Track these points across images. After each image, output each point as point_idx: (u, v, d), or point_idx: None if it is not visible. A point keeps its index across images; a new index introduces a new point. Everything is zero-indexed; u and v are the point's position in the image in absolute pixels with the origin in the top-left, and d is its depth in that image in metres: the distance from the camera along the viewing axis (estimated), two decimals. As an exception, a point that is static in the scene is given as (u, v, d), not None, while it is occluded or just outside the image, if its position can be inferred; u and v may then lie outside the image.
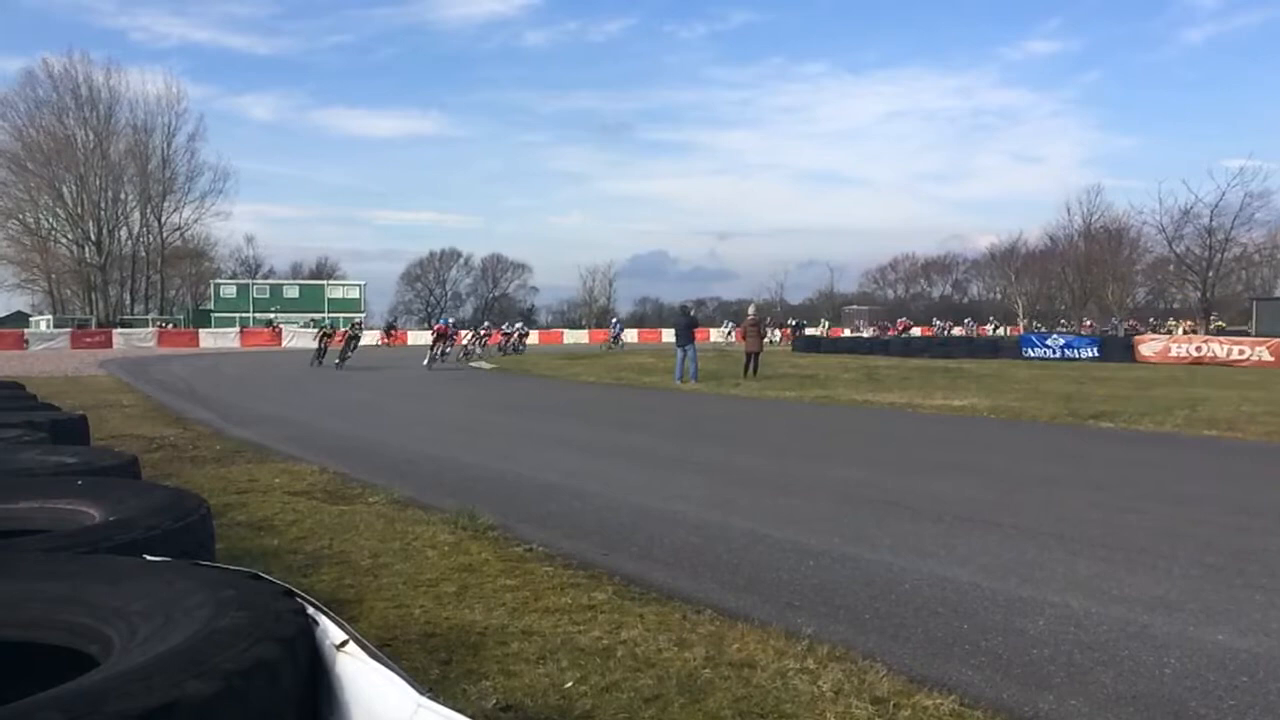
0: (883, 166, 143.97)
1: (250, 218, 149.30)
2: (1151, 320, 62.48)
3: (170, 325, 63.00)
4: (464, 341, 35.63)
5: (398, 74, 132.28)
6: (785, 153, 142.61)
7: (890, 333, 62.12)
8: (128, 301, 69.84)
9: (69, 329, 53.90)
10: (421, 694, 1.79)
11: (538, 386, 22.00)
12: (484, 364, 31.19)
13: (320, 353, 29.93)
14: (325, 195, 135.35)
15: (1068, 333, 43.86)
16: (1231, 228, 53.80)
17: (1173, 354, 31.50)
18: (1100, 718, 3.44)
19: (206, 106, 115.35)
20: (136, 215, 69.09)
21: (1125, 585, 5.11)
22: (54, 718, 1.65)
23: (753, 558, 5.75)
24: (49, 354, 41.38)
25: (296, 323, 60.26)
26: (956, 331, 66.52)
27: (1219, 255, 55.16)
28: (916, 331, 65.47)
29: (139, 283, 71.38)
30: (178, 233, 71.35)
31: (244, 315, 67.00)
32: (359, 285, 75.39)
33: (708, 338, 52.31)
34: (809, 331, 58.01)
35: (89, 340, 49.31)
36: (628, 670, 3.72)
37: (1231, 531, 6.46)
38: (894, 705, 3.42)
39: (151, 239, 70.05)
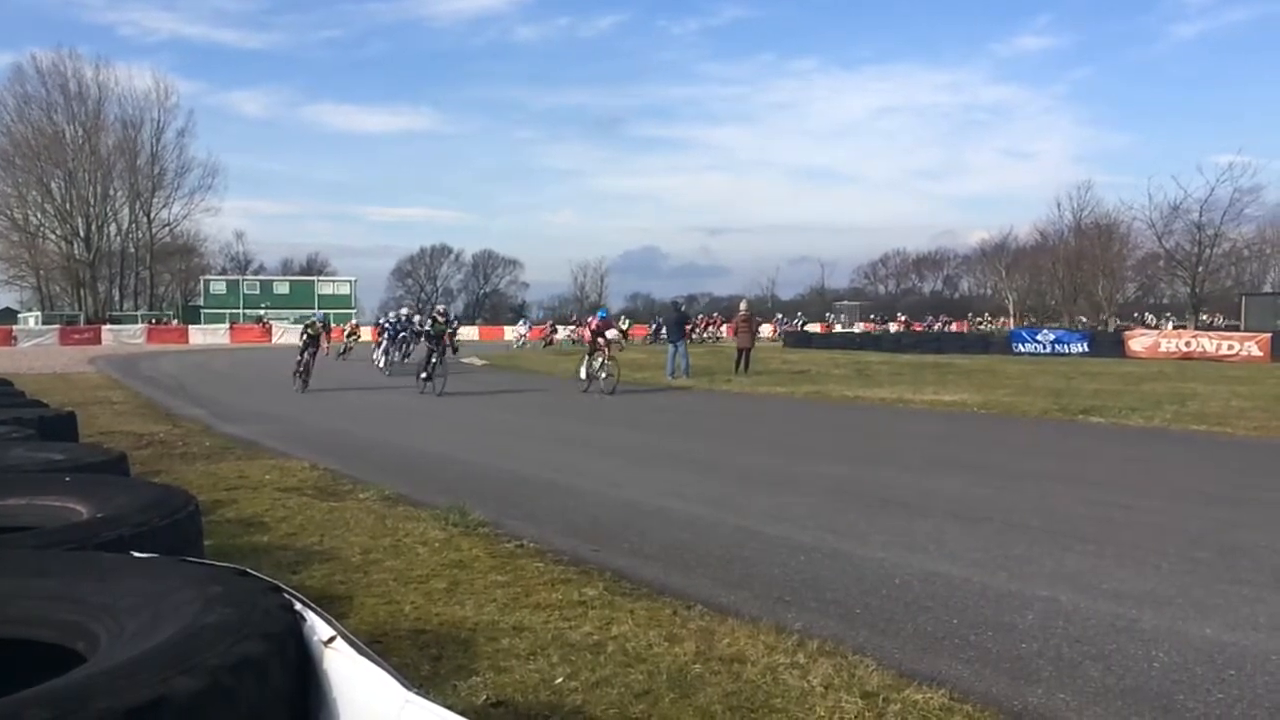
0: (875, 162, 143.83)
1: (240, 214, 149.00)
2: (1135, 315, 62.58)
3: (165, 320, 62.79)
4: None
5: (389, 69, 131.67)
6: (777, 149, 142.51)
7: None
8: (117, 298, 69.55)
9: (58, 325, 53.71)
10: (409, 689, 1.79)
11: (528, 383, 21.97)
12: (476, 360, 31.13)
13: (303, 369, 18.87)
14: (316, 191, 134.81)
15: (1060, 328, 44.03)
16: (1221, 223, 54.15)
17: (1162, 349, 31.65)
18: (1088, 711, 3.45)
19: (196, 102, 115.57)
20: (125, 211, 68.82)
21: (1114, 580, 5.13)
22: (41, 714, 1.64)
23: (744, 554, 5.75)
24: (38, 350, 41.21)
25: (287, 319, 60.17)
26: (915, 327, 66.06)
27: (1208, 251, 55.45)
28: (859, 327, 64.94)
29: (128, 279, 71.08)
30: (167, 229, 71.04)
31: (234, 311, 66.87)
32: (350, 281, 75.25)
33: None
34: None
35: (78, 337, 49.11)
36: (618, 665, 3.72)
37: (1220, 526, 6.49)
38: (884, 699, 3.43)
39: (141, 235, 69.76)
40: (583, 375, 18.84)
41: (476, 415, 14.72)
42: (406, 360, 25.43)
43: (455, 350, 18.92)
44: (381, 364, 25.01)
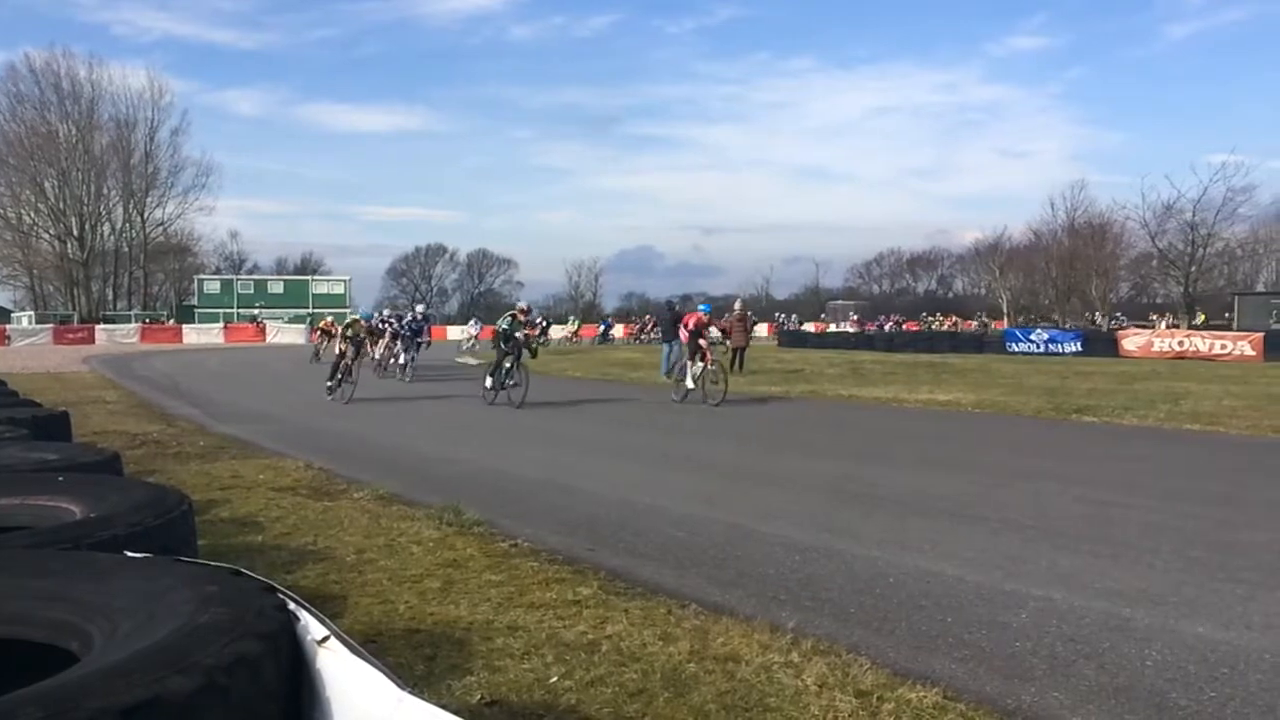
0: (870, 162, 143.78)
1: (234, 213, 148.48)
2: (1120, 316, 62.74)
3: (161, 320, 62.66)
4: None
5: (384, 69, 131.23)
6: (772, 148, 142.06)
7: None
8: (110, 297, 69.40)
9: (51, 325, 53.61)
10: (403, 689, 1.79)
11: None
12: (469, 360, 31.09)
13: (343, 375, 16.31)
14: (310, 190, 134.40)
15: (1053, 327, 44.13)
16: (1214, 223, 54.40)
17: (1155, 348, 31.70)
18: (1082, 710, 3.46)
19: (190, 101, 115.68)
20: (119, 210, 68.72)
21: (1108, 578, 5.14)
22: (34, 714, 1.64)
23: (738, 553, 5.76)
24: (31, 350, 41.12)
25: (281, 319, 60.13)
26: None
27: (1201, 250, 55.66)
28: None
29: (122, 278, 70.93)
30: (161, 228, 70.98)
31: (228, 311, 66.78)
32: (344, 280, 75.16)
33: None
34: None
35: (72, 336, 49.03)
36: (613, 665, 3.72)
37: (1214, 525, 6.51)
38: (878, 699, 3.43)
39: (134, 234, 69.63)
40: (688, 384, 16.03)
41: (471, 417, 14.66)
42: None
43: (534, 354, 16.49)
44: (397, 368, 21.95)
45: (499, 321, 16.63)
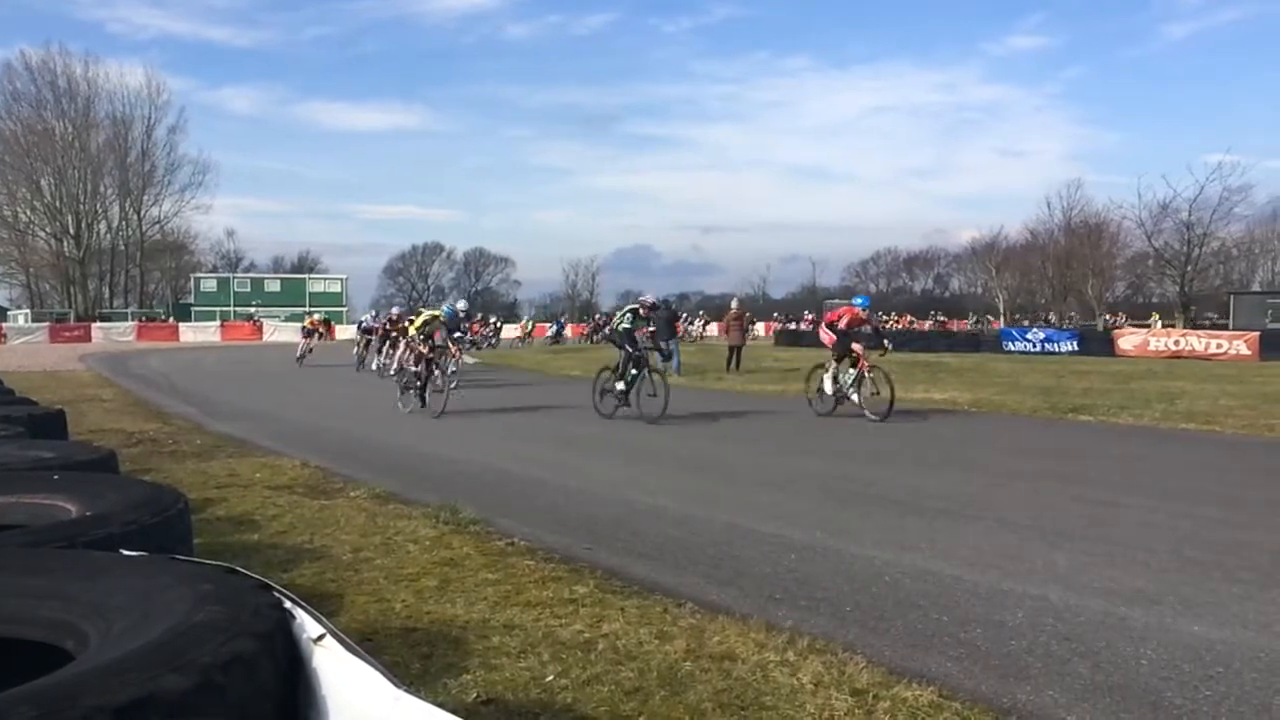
0: (867, 161, 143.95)
1: (231, 211, 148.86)
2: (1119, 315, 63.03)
3: (158, 318, 62.59)
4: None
5: (380, 67, 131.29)
6: (770, 147, 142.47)
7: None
8: (107, 295, 69.28)
9: (47, 323, 53.60)
10: (399, 687, 1.78)
11: (521, 381, 21.94)
12: (467, 359, 31.05)
13: (420, 377, 14.28)
14: (307, 189, 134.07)
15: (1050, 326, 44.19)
16: (1210, 222, 54.52)
17: (1151, 347, 31.75)
18: (1077, 708, 3.47)
19: (186, 99, 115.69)
20: (115, 208, 68.55)
21: (1104, 578, 5.14)
22: (28, 713, 1.63)
23: (735, 552, 5.76)
24: (27, 348, 41.07)
25: (278, 317, 60.09)
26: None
27: (1197, 250, 55.79)
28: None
29: (118, 276, 70.84)
30: (157, 226, 70.84)
31: (224, 309, 66.70)
32: (341, 279, 75.09)
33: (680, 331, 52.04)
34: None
35: (68, 334, 49.02)
36: (609, 663, 3.72)
37: (1210, 524, 6.52)
38: (873, 697, 3.43)
39: (131, 232, 69.49)
40: (826, 391, 13.71)
41: (468, 416, 14.64)
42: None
43: (668, 357, 13.62)
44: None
45: (618, 318, 14.12)
